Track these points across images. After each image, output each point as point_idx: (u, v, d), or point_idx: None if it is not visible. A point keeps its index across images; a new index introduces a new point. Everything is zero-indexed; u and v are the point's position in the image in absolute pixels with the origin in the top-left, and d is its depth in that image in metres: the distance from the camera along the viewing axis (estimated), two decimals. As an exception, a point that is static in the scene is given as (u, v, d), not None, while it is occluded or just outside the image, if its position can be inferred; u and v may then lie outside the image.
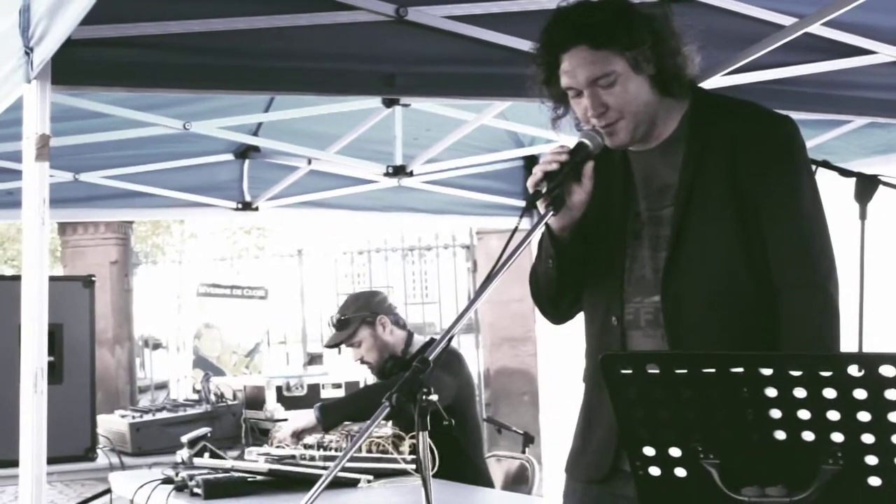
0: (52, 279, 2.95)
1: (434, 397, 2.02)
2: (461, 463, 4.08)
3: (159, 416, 4.97)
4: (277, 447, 4.05)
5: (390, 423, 3.93)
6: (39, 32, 2.64)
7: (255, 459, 3.82)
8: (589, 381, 2.46)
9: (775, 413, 1.77)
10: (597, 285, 2.43)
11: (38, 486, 2.74)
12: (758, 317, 2.29)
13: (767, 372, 1.75)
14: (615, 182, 2.41)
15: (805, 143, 2.38)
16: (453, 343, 4.66)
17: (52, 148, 2.80)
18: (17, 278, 3.16)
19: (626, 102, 2.30)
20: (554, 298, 2.49)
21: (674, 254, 2.32)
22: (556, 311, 2.53)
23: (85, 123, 4.63)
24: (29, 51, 2.70)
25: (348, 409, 4.14)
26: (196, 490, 3.59)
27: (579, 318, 2.53)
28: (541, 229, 2.35)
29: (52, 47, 2.61)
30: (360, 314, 4.39)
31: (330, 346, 4.55)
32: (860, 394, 1.70)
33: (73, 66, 2.93)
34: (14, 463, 2.79)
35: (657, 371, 1.83)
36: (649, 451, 1.88)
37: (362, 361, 4.44)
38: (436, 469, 3.51)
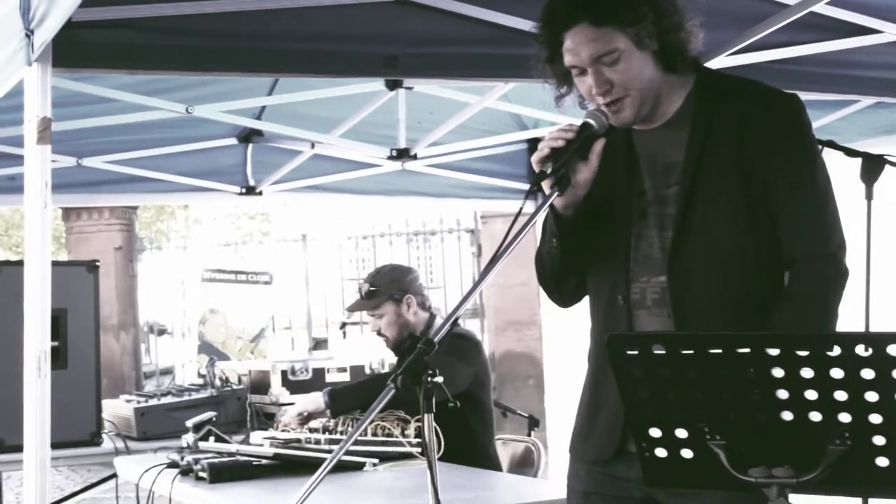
0: (56, 264, 2.94)
1: (439, 379, 2.01)
2: (470, 446, 4.08)
3: (164, 400, 4.96)
4: (283, 431, 4.04)
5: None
6: (40, 15, 2.63)
7: (261, 443, 3.81)
8: (594, 361, 2.45)
9: (782, 393, 1.76)
10: (602, 265, 2.41)
11: (43, 470, 2.74)
12: (764, 295, 2.27)
13: (774, 352, 1.74)
14: (619, 161, 2.39)
15: (811, 122, 2.37)
16: (466, 328, 4.73)
17: (55, 133, 2.79)
18: (20, 263, 3.15)
19: (630, 79, 2.29)
20: (559, 279, 2.48)
21: (680, 233, 2.30)
22: (562, 293, 2.52)
23: (87, 108, 4.62)
24: (30, 33, 2.68)
25: (358, 397, 4.12)
26: (201, 474, 3.59)
27: (584, 302, 2.52)
28: (545, 211, 2.34)
29: (52, 29, 2.60)
30: (389, 289, 4.39)
31: (352, 310, 4.60)
32: (868, 374, 1.70)
33: (75, 48, 2.92)
34: (22, 448, 2.79)
35: (663, 351, 1.82)
36: (655, 432, 1.88)
37: (379, 333, 4.44)
38: (442, 452, 3.51)
